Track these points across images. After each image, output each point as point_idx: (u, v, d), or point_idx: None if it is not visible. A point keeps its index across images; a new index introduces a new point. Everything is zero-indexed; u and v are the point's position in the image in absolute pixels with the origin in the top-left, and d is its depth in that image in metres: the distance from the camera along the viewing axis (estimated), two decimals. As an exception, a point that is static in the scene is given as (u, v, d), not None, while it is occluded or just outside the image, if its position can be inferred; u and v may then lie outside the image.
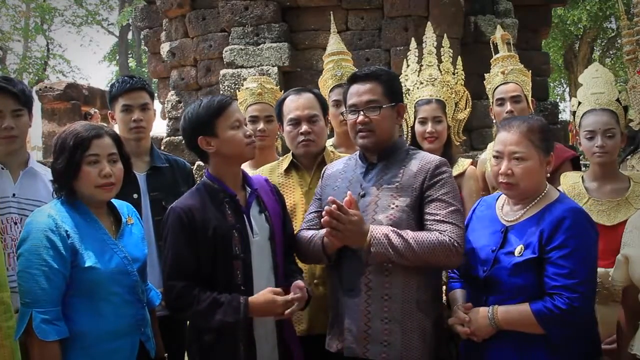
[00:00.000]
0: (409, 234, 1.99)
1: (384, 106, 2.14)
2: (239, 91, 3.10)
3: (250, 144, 2.12)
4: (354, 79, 2.23)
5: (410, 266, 2.03)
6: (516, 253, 1.96)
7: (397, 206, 2.06)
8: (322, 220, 1.99)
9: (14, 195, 2.38)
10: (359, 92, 2.17)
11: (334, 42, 3.58)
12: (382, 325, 2.04)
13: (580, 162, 3.04)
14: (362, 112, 2.14)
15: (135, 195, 2.56)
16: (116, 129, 2.90)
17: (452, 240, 1.98)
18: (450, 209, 2.04)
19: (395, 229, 2.00)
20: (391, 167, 2.15)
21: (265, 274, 2.12)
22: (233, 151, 2.11)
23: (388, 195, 2.09)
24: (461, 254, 2.02)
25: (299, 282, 2.11)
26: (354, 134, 2.21)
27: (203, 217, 2.04)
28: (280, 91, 3.02)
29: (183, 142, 2.48)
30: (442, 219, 2.01)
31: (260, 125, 2.88)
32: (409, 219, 2.06)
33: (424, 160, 2.14)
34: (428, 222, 2.04)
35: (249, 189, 2.19)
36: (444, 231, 1.99)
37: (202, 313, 1.99)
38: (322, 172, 2.39)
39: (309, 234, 2.22)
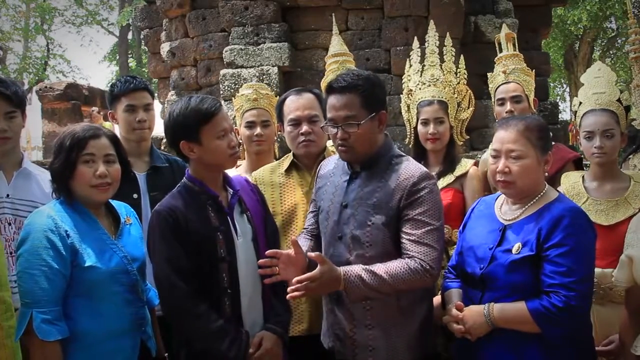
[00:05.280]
0: (381, 269, 1.94)
1: (362, 122, 2.03)
2: (234, 98, 3.09)
3: (233, 155, 2.08)
4: (331, 89, 2.10)
5: None
6: (513, 251, 1.95)
7: (373, 223, 2.04)
8: (291, 293, 1.89)
9: (7, 195, 2.37)
10: (336, 107, 2.06)
11: (337, 43, 3.57)
12: (366, 331, 2.06)
13: (583, 162, 3.02)
14: (340, 128, 2.05)
15: (135, 195, 2.56)
16: (116, 128, 2.89)
17: (423, 265, 1.94)
18: (426, 229, 1.98)
19: (367, 267, 1.94)
20: (372, 179, 2.10)
21: (250, 276, 2.08)
22: (215, 160, 2.07)
23: (365, 211, 2.06)
24: (435, 275, 1.99)
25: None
26: (336, 146, 2.16)
27: (187, 219, 2.00)
28: (276, 96, 3.02)
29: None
30: (417, 239, 1.98)
31: (257, 130, 2.88)
32: (385, 237, 2.04)
33: (403, 174, 2.05)
34: (403, 241, 2.01)
35: (230, 190, 2.16)
36: (416, 255, 1.96)
37: (208, 337, 1.95)
38: (317, 169, 2.37)
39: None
